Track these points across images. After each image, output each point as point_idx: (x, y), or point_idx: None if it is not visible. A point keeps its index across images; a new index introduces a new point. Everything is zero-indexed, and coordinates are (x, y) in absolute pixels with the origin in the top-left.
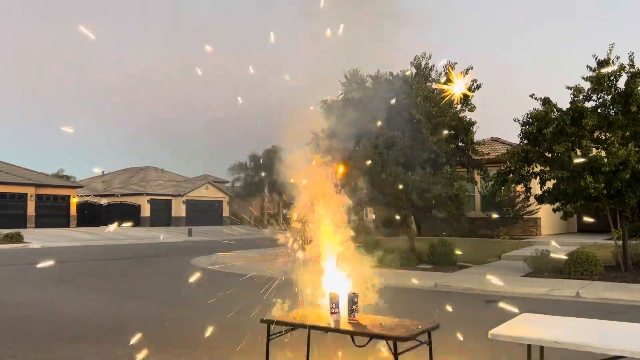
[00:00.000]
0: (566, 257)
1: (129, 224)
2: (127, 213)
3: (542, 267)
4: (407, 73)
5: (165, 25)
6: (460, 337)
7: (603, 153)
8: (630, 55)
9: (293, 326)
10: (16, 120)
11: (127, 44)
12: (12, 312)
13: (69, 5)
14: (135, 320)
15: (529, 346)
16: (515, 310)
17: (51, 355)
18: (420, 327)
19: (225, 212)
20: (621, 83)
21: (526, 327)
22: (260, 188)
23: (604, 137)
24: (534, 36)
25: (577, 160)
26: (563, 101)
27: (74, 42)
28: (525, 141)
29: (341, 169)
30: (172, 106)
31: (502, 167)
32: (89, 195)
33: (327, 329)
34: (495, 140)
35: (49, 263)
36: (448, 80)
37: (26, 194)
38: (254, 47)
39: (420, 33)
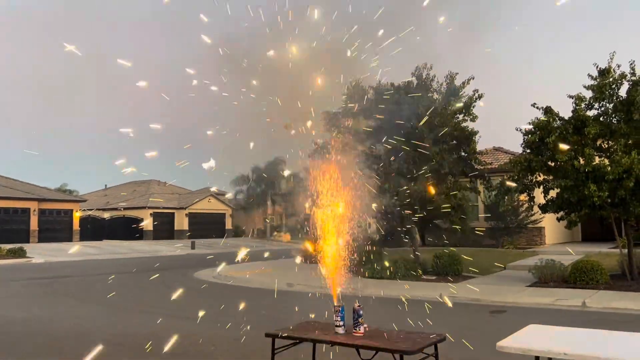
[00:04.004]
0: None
1: None
2: (130, 226)
3: (547, 277)
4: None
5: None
6: (467, 349)
7: (606, 161)
8: (631, 64)
9: (298, 340)
10: (20, 136)
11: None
12: (15, 329)
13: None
14: (139, 335)
15: (537, 358)
16: (521, 321)
17: None
18: (426, 339)
19: (228, 225)
20: (623, 91)
21: (534, 339)
22: (262, 200)
23: (606, 146)
24: (538, 44)
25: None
26: (565, 110)
27: (78, 51)
28: (528, 150)
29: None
30: (174, 117)
31: (505, 177)
32: (91, 210)
33: (332, 343)
34: (497, 149)
35: (52, 278)
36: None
37: (29, 209)
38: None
39: (419, 42)
